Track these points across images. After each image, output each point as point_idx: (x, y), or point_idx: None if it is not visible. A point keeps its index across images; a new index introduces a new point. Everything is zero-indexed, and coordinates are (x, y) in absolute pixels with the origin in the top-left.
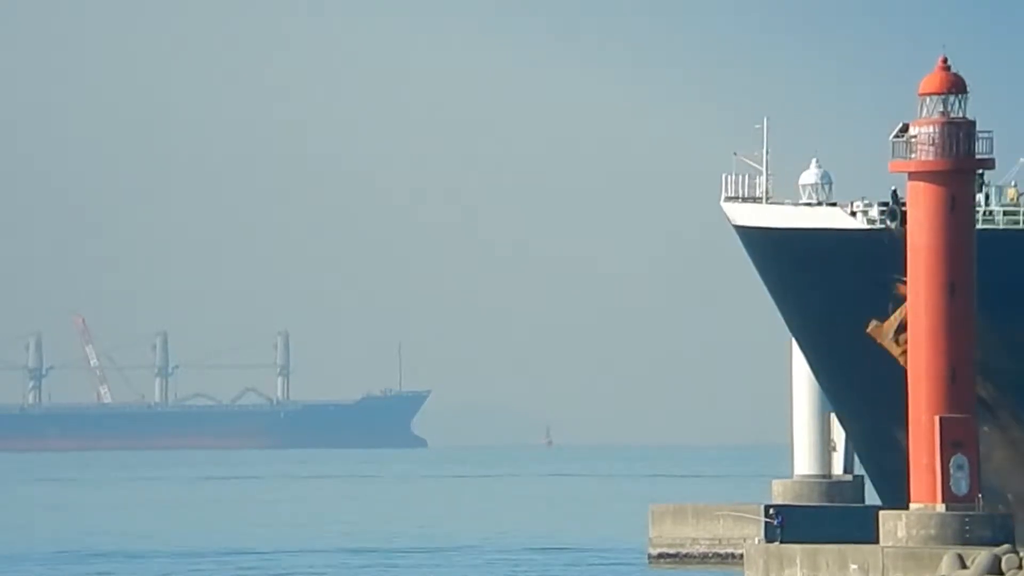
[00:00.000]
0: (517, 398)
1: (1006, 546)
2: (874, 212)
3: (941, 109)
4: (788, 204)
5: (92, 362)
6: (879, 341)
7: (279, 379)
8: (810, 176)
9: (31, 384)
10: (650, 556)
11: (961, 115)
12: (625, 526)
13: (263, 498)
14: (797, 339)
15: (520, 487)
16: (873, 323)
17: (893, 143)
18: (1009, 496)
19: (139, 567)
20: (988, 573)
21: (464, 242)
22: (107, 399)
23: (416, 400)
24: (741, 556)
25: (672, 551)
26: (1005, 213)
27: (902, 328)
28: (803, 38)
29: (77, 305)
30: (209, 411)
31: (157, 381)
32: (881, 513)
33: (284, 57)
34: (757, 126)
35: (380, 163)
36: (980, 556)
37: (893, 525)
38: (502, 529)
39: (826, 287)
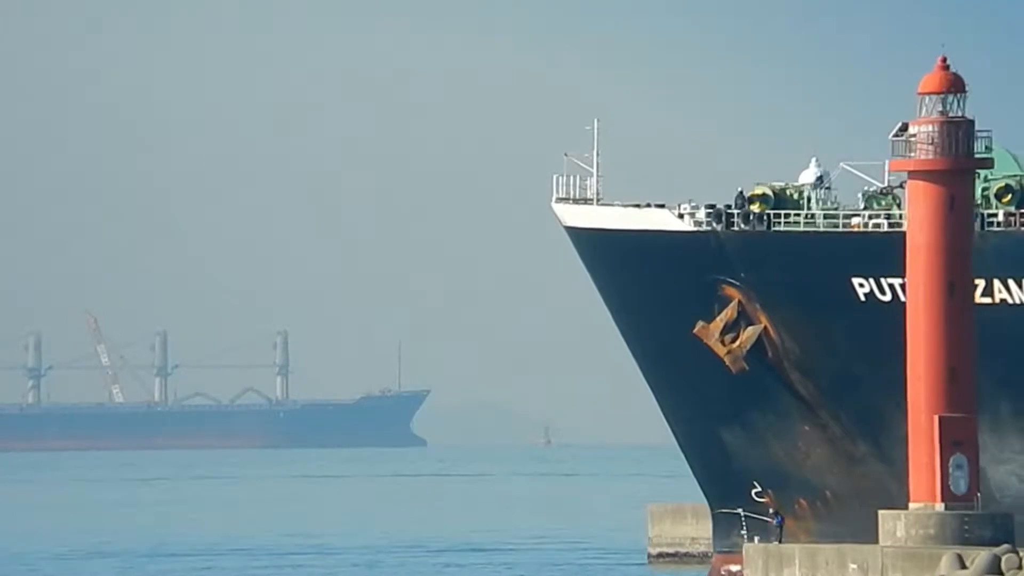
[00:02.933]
0: (517, 398)
1: (1006, 546)
2: (701, 214)
3: (940, 108)
4: (617, 205)
5: (103, 360)
6: (705, 342)
7: (279, 379)
8: (809, 175)
9: (30, 384)
10: (649, 556)
11: (960, 114)
12: (624, 526)
13: (262, 498)
14: (625, 339)
15: (519, 487)
16: (700, 324)
17: (892, 142)
18: (827, 493)
19: (145, 566)
20: (988, 573)
21: (464, 241)
22: (119, 398)
23: (415, 400)
24: None
25: (671, 551)
26: (825, 216)
27: (728, 329)
28: (803, 38)
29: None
30: (209, 411)
31: (157, 381)
32: (881, 513)
33: (285, 58)
34: (587, 127)
35: (379, 164)
36: (980, 556)
37: (892, 525)
38: (501, 529)
39: (653, 288)
